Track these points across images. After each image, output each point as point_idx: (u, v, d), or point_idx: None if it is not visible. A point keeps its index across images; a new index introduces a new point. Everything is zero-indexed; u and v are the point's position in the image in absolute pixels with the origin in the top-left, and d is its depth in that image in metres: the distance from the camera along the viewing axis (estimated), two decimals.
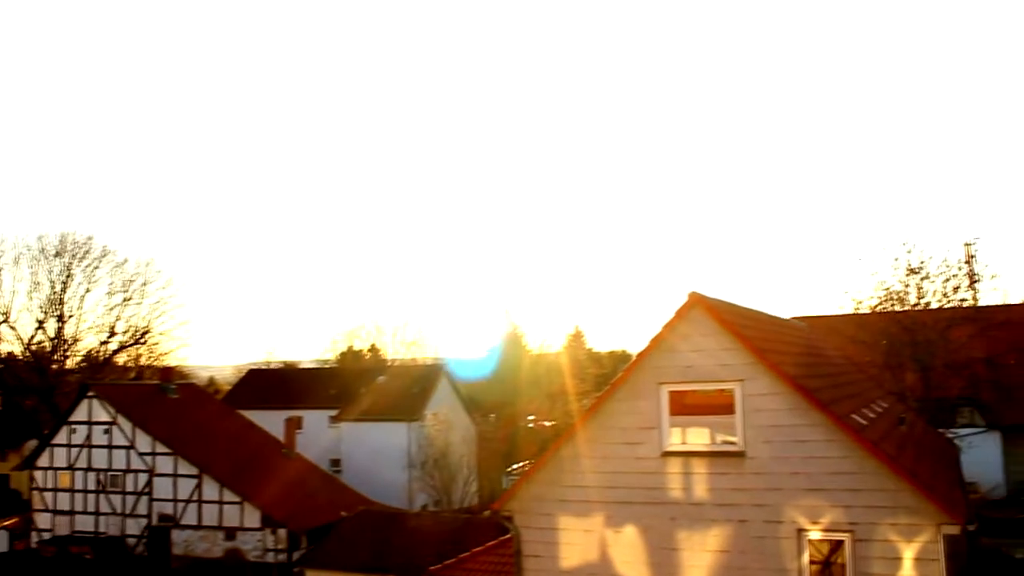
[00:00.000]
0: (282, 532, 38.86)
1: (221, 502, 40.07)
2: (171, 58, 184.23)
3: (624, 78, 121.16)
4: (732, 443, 16.04)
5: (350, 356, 74.16)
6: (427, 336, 75.32)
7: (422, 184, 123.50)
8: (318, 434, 52.98)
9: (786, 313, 31.61)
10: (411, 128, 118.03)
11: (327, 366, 73.51)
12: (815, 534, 15.30)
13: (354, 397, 54.69)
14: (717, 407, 16.33)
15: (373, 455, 50.01)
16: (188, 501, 40.71)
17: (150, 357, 66.25)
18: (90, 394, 43.79)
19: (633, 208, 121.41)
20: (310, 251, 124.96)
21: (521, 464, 50.82)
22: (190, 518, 40.58)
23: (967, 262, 39.68)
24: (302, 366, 77.32)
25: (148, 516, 41.35)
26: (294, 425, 47.89)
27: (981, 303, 39.15)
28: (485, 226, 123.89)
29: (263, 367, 75.83)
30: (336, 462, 51.96)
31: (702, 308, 16.33)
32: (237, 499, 39.77)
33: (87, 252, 62.60)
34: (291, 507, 40.11)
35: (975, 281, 39.25)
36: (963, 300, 38.24)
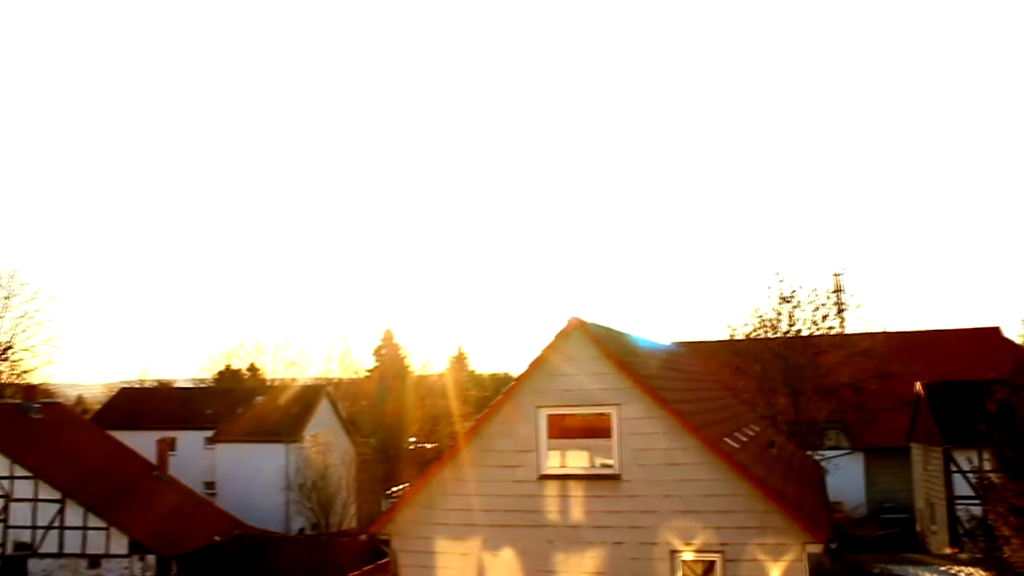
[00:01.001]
0: (151, 559, 37.32)
1: (85, 528, 38.21)
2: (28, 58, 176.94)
3: (497, 105, 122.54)
4: (609, 466, 16.28)
5: (228, 375, 72.10)
6: (308, 356, 73.74)
7: (303, 200, 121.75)
8: (192, 456, 51.21)
9: (664, 338, 32.38)
10: (292, 139, 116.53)
11: (203, 385, 71.34)
12: (688, 555, 15.63)
13: (231, 418, 53.17)
14: (595, 430, 16.55)
15: (250, 478, 48.68)
16: (49, 528, 38.67)
17: (12, 374, 62.92)
18: None
19: (517, 232, 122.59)
20: (186, 266, 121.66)
21: (401, 487, 50.37)
22: (50, 546, 38.51)
23: (835, 292, 41.50)
24: (177, 385, 74.85)
25: (3, 544, 39.11)
26: (167, 447, 46.21)
27: (847, 331, 40.92)
28: (368, 246, 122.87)
29: (135, 385, 73.00)
30: (211, 485, 50.31)
31: (581, 332, 16.56)
32: (103, 525, 38.00)
33: None
34: (161, 532, 38.59)
35: (842, 310, 41.04)
36: (831, 328, 39.95)
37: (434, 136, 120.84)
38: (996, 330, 50.19)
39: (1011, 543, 18.70)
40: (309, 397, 54.31)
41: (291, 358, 73.71)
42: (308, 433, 49.31)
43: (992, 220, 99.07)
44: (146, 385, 73.65)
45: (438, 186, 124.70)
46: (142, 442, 46.76)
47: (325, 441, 47.67)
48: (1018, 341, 25.52)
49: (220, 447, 51.15)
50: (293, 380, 67.86)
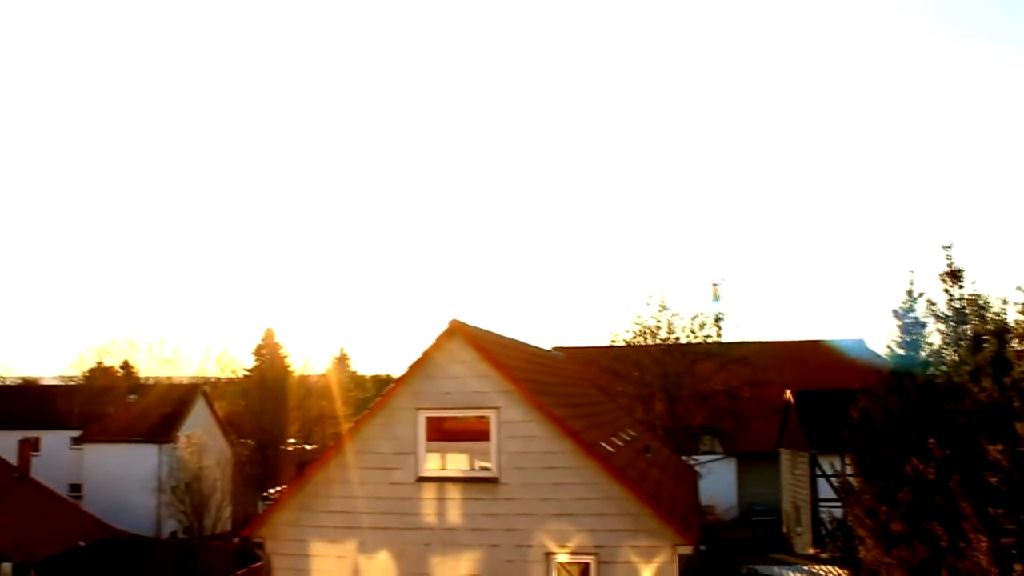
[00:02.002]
0: (6, 566, 35.55)
1: None
2: None
3: (376, 104, 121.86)
4: (487, 469, 16.39)
5: (99, 373, 69.35)
6: (185, 355, 71.62)
7: (181, 192, 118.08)
8: (57, 457, 49.03)
9: (545, 343, 32.78)
10: (167, 128, 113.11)
11: (72, 383, 68.41)
12: (563, 557, 15.86)
13: (101, 417, 51.17)
14: (474, 433, 16.65)
15: (119, 479, 46.92)
16: None
17: None
18: None
19: (400, 234, 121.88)
20: (56, 259, 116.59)
21: (277, 489, 49.45)
22: None
23: (713, 301, 42.77)
24: (43, 382, 71.57)
25: None
26: (29, 447, 44.08)
27: (723, 340, 42.22)
28: (249, 243, 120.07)
29: None
30: (77, 487, 48.27)
31: (462, 336, 16.63)
32: None
33: None
34: (18, 537, 36.77)
35: (719, 319, 42.34)
36: (708, 337, 41.18)
37: (317, 133, 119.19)
38: (861, 342, 52.56)
39: (866, 543, 19.56)
40: (185, 397, 52.75)
41: (167, 356, 71.49)
42: (183, 434, 47.90)
43: (860, 238, 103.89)
44: (8, 383, 70.09)
45: (320, 185, 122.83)
46: (2, 443, 44.54)
47: (200, 442, 46.39)
48: (880, 353, 27.00)
49: (88, 448, 49.15)
50: (168, 379, 65.82)
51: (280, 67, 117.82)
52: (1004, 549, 15.63)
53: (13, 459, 42.78)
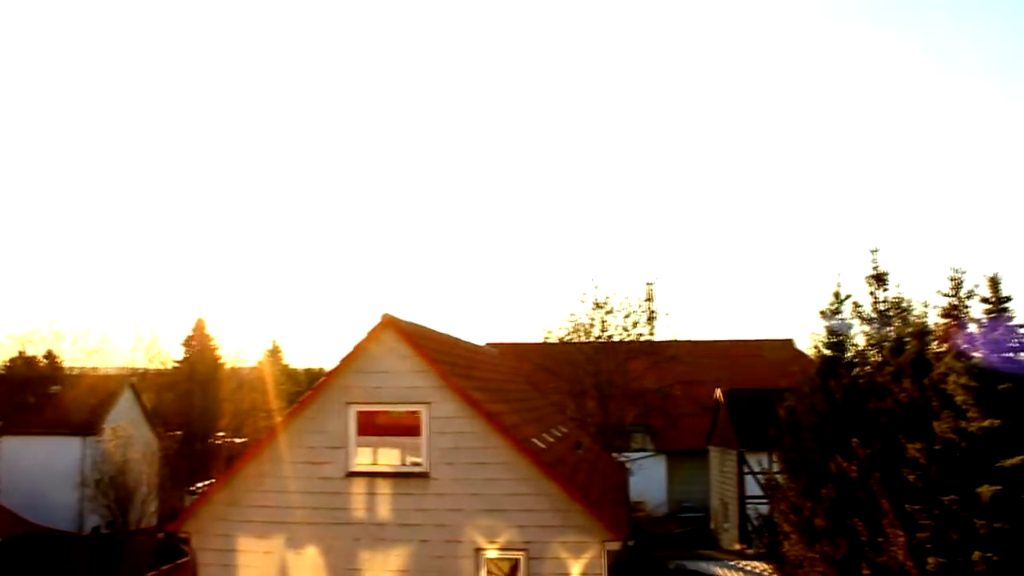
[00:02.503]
0: None
1: None
2: None
3: (319, 95, 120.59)
4: (417, 464, 16.35)
5: (21, 363, 67.39)
6: (112, 345, 69.92)
7: (109, 177, 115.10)
8: None
9: (478, 338, 32.81)
10: (96, 115, 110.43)
11: None
12: (492, 553, 15.91)
13: (21, 408, 49.72)
14: (406, 428, 16.60)
15: (40, 473, 45.58)
16: None
17: None
18: None
19: (334, 225, 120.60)
20: None
21: (205, 483, 48.67)
22: None
23: (647, 300, 43.19)
24: None
25: None
26: None
27: (656, 338, 42.68)
28: (180, 233, 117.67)
29: None
30: None
31: (394, 330, 16.55)
32: None
33: None
34: None
35: (652, 318, 42.77)
36: (640, 335, 41.60)
37: (251, 124, 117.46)
38: (790, 342, 53.61)
39: (790, 538, 20.01)
40: (111, 388, 51.50)
41: (93, 346, 69.74)
42: (108, 426, 46.81)
43: (791, 241, 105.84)
44: None
45: (254, 175, 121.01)
46: None
47: (126, 435, 45.38)
48: (807, 353, 27.63)
49: (6, 440, 47.67)
50: (95, 370, 64.24)
51: (225, 52, 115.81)
52: (920, 543, 16.13)
53: None
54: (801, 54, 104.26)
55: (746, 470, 35.94)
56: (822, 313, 22.30)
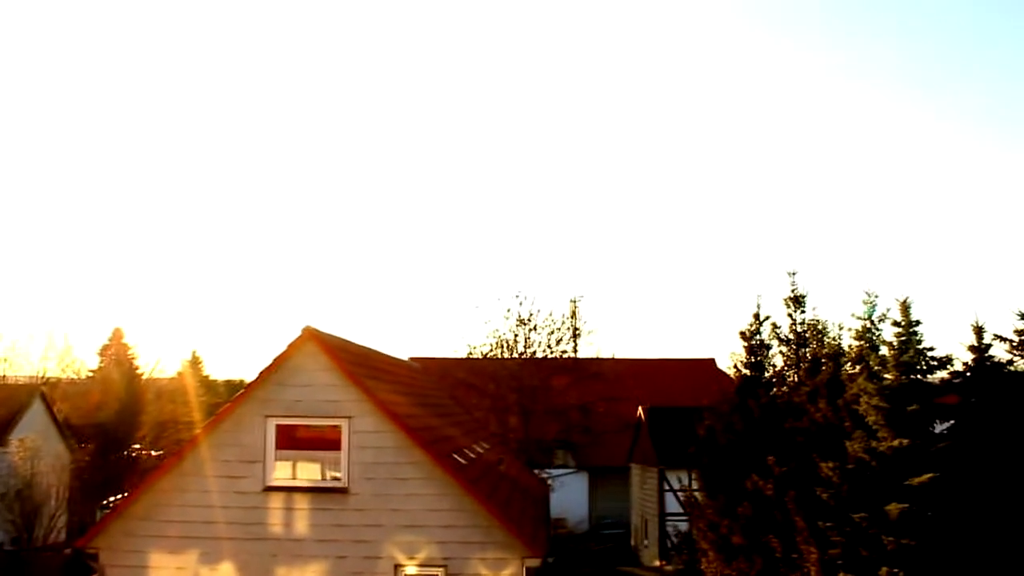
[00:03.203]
0: None
1: None
2: None
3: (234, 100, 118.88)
4: (337, 479, 16.17)
5: None
6: (22, 353, 67.64)
7: (24, 178, 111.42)
8: None
9: (401, 353, 32.63)
10: (21, 114, 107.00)
11: None
12: (411, 569, 15.78)
13: None
14: (326, 442, 16.39)
15: None
16: None
17: None
18: None
19: (255, 236, 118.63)
20: None
21: (118, 496, 47.33)
22: None
23: (571, 317, 43.58)
24: None
25: None
26: None
27: (580, 355, 43.03)
28: (98, 237, 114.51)
29: None
30: None
31: (315, 343, 16.37)
32: None
33: None
34: None
35: (576, 335, 43.13)
36: (564, 352, 41.94)
37: (174, 126, 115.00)
38: (711, 361, 54.49)
39: (708, 556, 20.33)
40: (20, 398, 49.80)
41: (2, 354, 67.38)
42: (15, 437, 45.25)
43: (713, 262, 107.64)
44: None
45: (175, 181, 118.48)
46: None
47: (34, 446, 43.89)
48: (728, 373, 28.13)
49: None
50: (3, 379, 62.10)
51: (148, 53, 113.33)
52: (831, 560, 16.54)
53: None
54: (717, 73, 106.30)
55: (666, 487, 36.34)
56: (742, 334, 22.78)
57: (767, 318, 22.77)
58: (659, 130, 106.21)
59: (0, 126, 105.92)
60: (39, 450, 43.76)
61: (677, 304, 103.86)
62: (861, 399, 17.17)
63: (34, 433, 45.67)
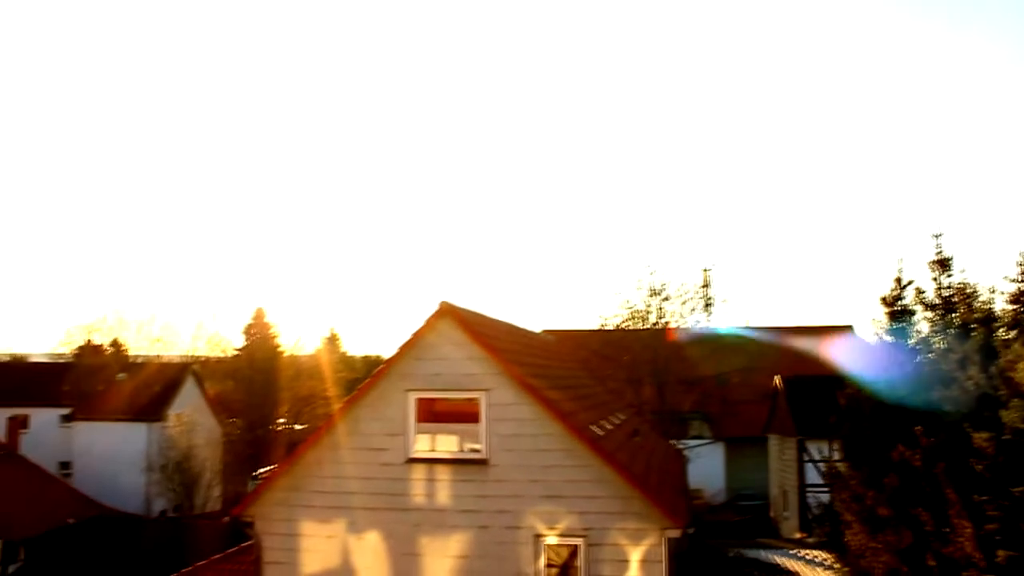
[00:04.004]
0: None
1: None
2: None
3: (369, 89, 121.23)
4: (476, 451, 16.45)
5: (88, 351, 69.13)
6: (174, 333, 71.38)
7: (173, 171, 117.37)
8: (47, 434, 49.00)
9: (535, 326, 32.86)
10: (161, 108, 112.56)
11: (61, 361, 68.24)
12: (552, 539, 15.95)
13: (90, 395, 51.14)
14: (464, 415, 16.70)
15: (109, 458, 46.92)
16: None
17: None
18: None
19: (391, 214, 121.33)
20: (44, 235, 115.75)
21: (267, 468, 49.57)
22: None
23: (703, 287, 42.90)
24: (32, 360, 71.36)
25: None
26: (18, 424, 44.08)
27: (713, 325, 42.35)
28: (240, 222, 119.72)
29: None
30: (67, 465, 48.28)
31: (452, 318, 16.64)
32: None
33: None
34: (7, 515, 36.80)
35: (709, 305, 42.47)
36: (698, 321, 41.34)
37: (310, 118, 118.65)
38: (849, 328, 52.79)
39: (852, 528, 19.73)
40: (174, 375, 52.70)
41: (156, 335, 71.30)
42: (172, 412, 47.92)
43: (852, 226, 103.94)
44: None
45: (313, 166, 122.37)
46: None
47: (190, 421, 46.47)
48: (868, 340, 27.17)
49: (78, 425, 49.12)
50: (158, 358, 65.68)
51: (273, 55, 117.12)
52: (988, 535, 15.81)
53: (1, 436, 42.79)
54: (851, 37, 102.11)
55: (806, 458, 35.55)
56: (883, 299, 21.91)
57: (910, 282, 21.77)
58: (795, 94, 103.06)
59: (157, 126, 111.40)
60: (194, 425, 46.34)
61: (813, 270, 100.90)
62: (1018, 366, 16.29)
63: (188, 409, 48.37)
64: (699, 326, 41.26)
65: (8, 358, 71.80)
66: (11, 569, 34.92)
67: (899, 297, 21.80)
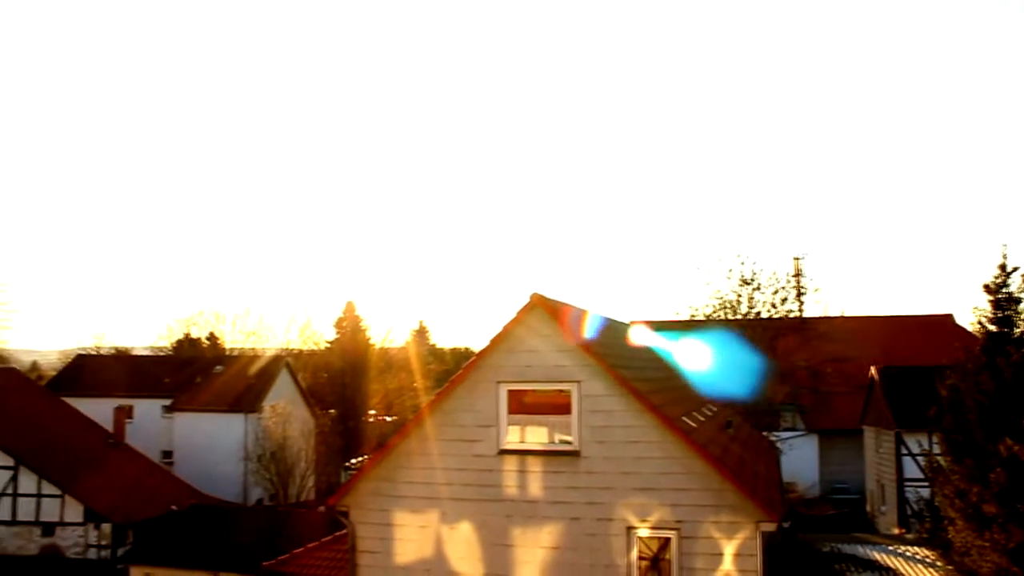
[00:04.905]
0: (106, 527, 37.12)
1: (39, 495, 37.86)
2: None
3: (454, 84, 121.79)
4: (568, 443, 16.44)
5: (187, 344, 71.49)
6: (268, 326, 73.21)
7: (266, 169, 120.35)
8: (150, 424, 50.82)
9: (624, 317, 32.66)
10: (254, 109, 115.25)
11: (161, 353, 70.67)
12: (644, 531, 15.84)
13: (189, 387, 52.85)
14: (555, 407, 16.68)
15: (208, 447, 48.46)
16: (1, 495, 38.27)
17: None
18: None
19: (480, 207, 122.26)
20: (146, 233, 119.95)
21: (360, 459, 50.44)
22: (3, 513, 38.10)
23: (795, 276, 42.03)
24: (135, 352, 74.07)
25: None
26: (124, 415, 45.81)
27: (805, 315, 41.48)
28: (331, 217, 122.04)
29: (91, 352, 72.05)
30: (168, 454, 50.03)
31: (543, 309, 16.65)
32: (57, 492, 37.70)
33: None
34: (116, 500, 38.36)
35: (801, 294, 41.60)
36: (789, 311, 40.51)
37: (393, 112, 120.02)
38: (949, 317, 51.13)
39: (956, 524, 19.14)
40: (269, 368, 54.04)
41: (251, 328, 73.30)
42: (267, 404, 49.15)
43: (949, 212, 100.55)
44: (102, 352, 72.73)
45: (402, 161, 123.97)
46: (98, 409, 46.34)
47: (284, 412, 47.56)
48: (970, 329, 26.12)
49: (178, 416, 50.83)
50: (253, 350, 67.46)
51: (360, 46, 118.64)
52: None
53: (109, 426, 44.52)
54: (940, 31, 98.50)
55: (904, 451, 34.58)
56: (987, 287, 21.15)
57: (1015, 269, 20.99)
58: (899, 80, 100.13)
59: (254, 127, 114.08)
60: (288, 415, 47.42)
61: (911, 258, 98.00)
62: None
63: (283, 400, 49.53)
64: (791, 316, 40.39)
65: (113, 351, 74.61)
66: (120, 552, 36.35)
67: (1004, 284, 21.02)
